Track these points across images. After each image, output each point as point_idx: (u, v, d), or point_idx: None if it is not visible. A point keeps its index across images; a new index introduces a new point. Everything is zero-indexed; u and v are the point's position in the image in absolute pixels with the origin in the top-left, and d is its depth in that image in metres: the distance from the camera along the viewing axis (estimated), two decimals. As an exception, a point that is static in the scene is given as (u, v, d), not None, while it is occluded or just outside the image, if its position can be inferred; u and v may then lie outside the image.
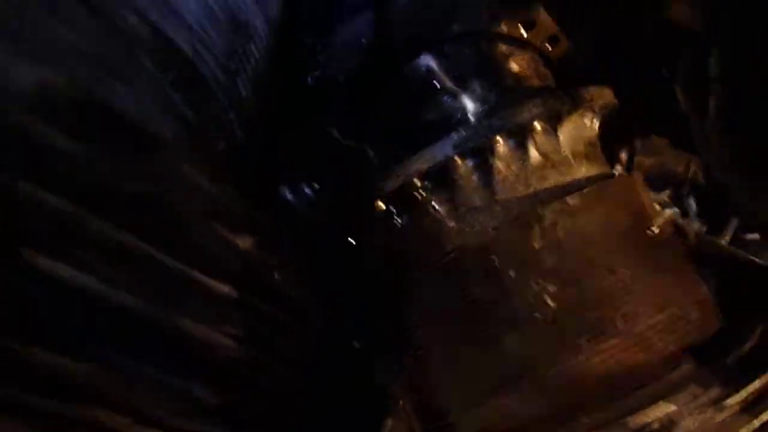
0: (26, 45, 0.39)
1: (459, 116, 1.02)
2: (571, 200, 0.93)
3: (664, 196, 1.13)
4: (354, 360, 1.35)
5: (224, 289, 0.41)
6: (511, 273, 0.92)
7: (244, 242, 0.43)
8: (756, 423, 0.81)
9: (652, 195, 1.08)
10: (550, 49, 1.13)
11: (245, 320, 0.42)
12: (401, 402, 1.31)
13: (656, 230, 0.98)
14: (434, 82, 1.03)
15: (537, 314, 0.90)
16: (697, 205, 1.14)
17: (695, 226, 1.06)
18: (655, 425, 0.82)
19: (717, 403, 0.82)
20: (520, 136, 0.97)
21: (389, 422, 1.41)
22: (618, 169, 1.19)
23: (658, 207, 1.07)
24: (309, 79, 0.88)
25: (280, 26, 0.69)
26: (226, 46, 0.56)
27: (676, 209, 1.07)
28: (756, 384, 0.83)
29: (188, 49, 0.51)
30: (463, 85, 1.03)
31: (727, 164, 0.83)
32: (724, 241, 1.09)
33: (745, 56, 0.56)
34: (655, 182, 1.15)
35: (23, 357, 0.32)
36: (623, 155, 1.23)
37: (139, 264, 0.37)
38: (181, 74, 0.52)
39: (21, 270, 0.32)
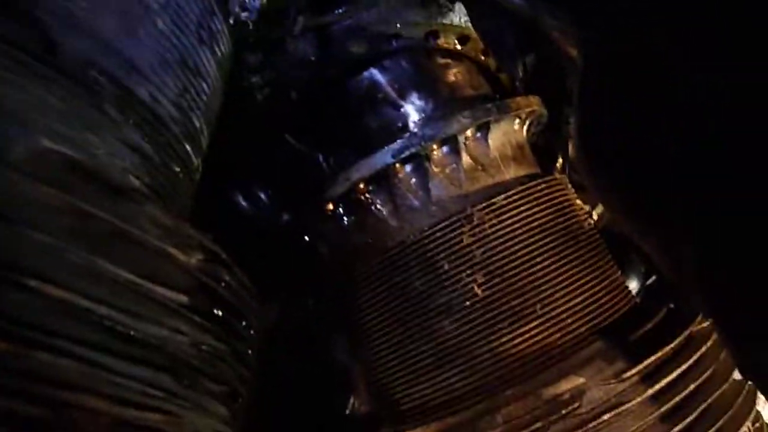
0: (14, 109, 0.49)
1: (399, 125, 1.13)
2: (498, 201, 1.06)
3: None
4: (314, 346, 1.47)
5: (181, 298, 0.52)
6: (446, 266, 1.04)
7: (195, 260, 0.54)
8: (650, 391, 0.94)
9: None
10: (483, 59, 1.25)
11: (198, 322, 0.54)
12: (362, 381, 1.44)
13: (575, 225, 1.11)
14: (377, 93, 1.14)
15: (467, 302, 1.02)
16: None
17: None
18: (566, 396, 0.95)
19: (618, 375, 0.95)
20: (452, 143, 1.08)
21: (352, 400, 1.53)
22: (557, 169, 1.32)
23: (581, 204, 1.20)
24: (258, 96, 0.98)
25: (226, 57, 0.79)
26: (179, 86, 0.67)
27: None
28: (652, 358, 0.97)
29: (145, 94, 0.62)
30: (403, 96, 1.14)
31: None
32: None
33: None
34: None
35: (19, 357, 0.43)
36: (560, 158, 1.35)
37: (111, 283, 0.47)
38: (141, 116, 0.62)
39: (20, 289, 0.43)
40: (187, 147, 0.69)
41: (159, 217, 0.50)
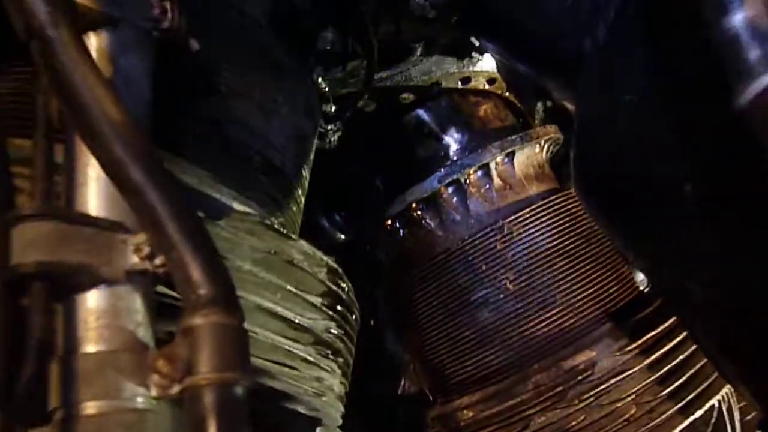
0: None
1: (442, 154, 1.40)
2: (523, 214, 1.33)
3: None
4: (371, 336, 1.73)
5: (318, 299, 0.80)
6: (483, 267, 1.31)
7: (323, 274, 0.82)
8: (648, 361, 1.21)
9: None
10: (508, 95, 1.51)
11: (329, 314, 0.82)
12: (412, 366, 1.71)
13: (588, 229, 1.37)
14: (423, 129, 1.42)
15: (501, 295, 1.30)
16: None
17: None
18: (581, 366, 1.21)
19: (623, 349, 1.22)
20: (485, 168, 1.35)
21: (404, 381, 1.81)
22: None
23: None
24: (332, 139, 1.26)
25: (317, 120, 1.08)
26: (294, 151, 0.95)
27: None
28: (650, 335, 1.23)
29: (279, 161, 0.90)
30: (444, 130, 1.41)
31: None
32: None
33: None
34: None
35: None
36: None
37: (282, 290, 0.76)
38: (269, 171, 0.91)
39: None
40: (299, 191, 0.98)
41: (303, 247, 0.79)
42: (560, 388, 1.20)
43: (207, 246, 0.51)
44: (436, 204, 1.36)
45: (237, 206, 0.75)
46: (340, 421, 0.92)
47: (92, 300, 0.52)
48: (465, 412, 1.30)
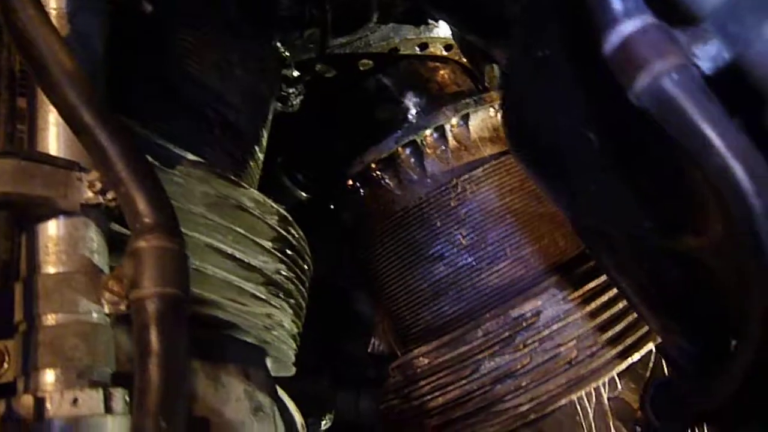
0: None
1: (401, 117, 1.47)
2: (476, 173, 1.41)
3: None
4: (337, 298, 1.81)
5: (268, 242, 0.88)
6: (438, 223, 1.39)
7: (274, 220, 0.89)
8: (588, 308, 1.29)
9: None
10: (466, 61, 1.58)
11: (278, 257, 0.89)
12: (380, 326, 1.80)
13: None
14: (382, 93, 1.48)
15: (455, 249, 1.38)
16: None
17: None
18: (528, 314, 1.30)
19: (566, 298, 1.30)
20: (441, 130, 1.43)
21: (373, 340, 1.89)
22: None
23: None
24: (293, 102, 1.33)
25: (276, 82, 1.14)
26: (251, 111, 1.02)
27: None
28: (592, 285, 1.31)
29: (234, 119, 0.97)
30: (402, 94, 1.48)
31: None
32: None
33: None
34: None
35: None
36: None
37: (233, 233, 0.83)
38: (232, 133, 0.98)
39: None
40: (256, 149, 1.05)
41: (253, 195, 0.86)
42: (507, 335, 1.29)
43: (151, 181, 0.58)
44: (394, 164, 1.43)
45: (190, 156, 0.82)
46: (293, 358, 1.00)
47: (52, 229, 0.59)
48: (421, 359, 1.38)
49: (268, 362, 0.92)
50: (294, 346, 0.97)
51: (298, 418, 1.04)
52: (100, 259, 0.61)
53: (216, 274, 0.78)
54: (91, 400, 0.54)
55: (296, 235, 0.94)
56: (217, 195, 0.80)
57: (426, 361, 1.38)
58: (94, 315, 0.58)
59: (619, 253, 0.79)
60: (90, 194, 0.60)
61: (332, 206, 1.53)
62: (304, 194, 1.40)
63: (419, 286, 1.42)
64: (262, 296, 0.84)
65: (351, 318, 1.85)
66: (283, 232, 0.90)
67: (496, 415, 1.29)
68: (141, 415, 0.50)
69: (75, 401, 0.53)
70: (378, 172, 1.44)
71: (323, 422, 1.80)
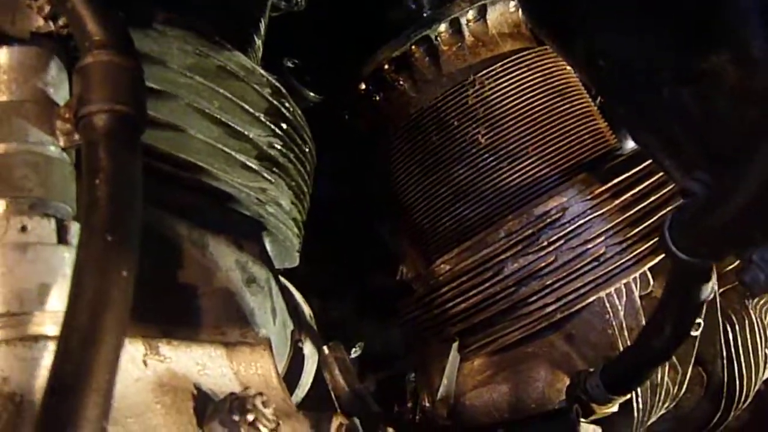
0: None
1: (414, 15, 1.39)
2: (495, 68, 1.32)
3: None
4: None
5: (260, 114, 0.82)
6: (455, 123, 1.32)
7: (267, 91, 0.84)
8: (617, 202, 1.21)
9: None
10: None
11: (272, 129, 0.84)
12: (408, 253, 1.74)
13: (563, 84, 1.36)
14: (396, -9, 1.40)
15: (474, 149, 1.31)
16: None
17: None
18: (552, 211, 1.23)
19: (593, 193, 1.22)
20: (456, 25, 1.34)
21: (402, 267, 1.84)
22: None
23: (570, 69, 1.44)
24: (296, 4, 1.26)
25: None
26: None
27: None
28: (620, 178, 1.23)
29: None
30: (415, -12, 1.39)
31: None
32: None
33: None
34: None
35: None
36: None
37: (223, 99, 0.78)
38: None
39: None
40: (253, 32, 0.99)
41: (241, 59, 0.80)
42: (531, 233, 1.22)
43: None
44: (408, 65, 1.36)
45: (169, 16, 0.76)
46: (297, 245, 0.95)
47: (2, 56, 0.55)
48: (442, 266, 1.32)
49: (268, 243, 0.87)
50: (297, 231, 0.92)
51: (307, 310, 1.00)
52: (55, 93, 0.56)
53: (199, 137, 0.73)
54: (42, 228, 0.50)
55: (291, 110, 0.88)
56: (196, 53, 0.74)
57: (447, 267, 1.32)
58: (49, 147, 0.53)
59: (639, 93, 0.72)
60: (41, 22, 0.55)
61: (346, 115, 1.46)
62: (314, 96, 1.34)
63: (438, 191, 1.35)
64: (254, 167, 0.79)
65: (377, 247, 1.80)
66: (277, 104, 0.85)
67: (521, 318, 1.23)
68: (87, 231, 0.45)
69: (23, 228, 0.49)
70: (392, 74, 1.37)
71: (353, 350, 1.78)
